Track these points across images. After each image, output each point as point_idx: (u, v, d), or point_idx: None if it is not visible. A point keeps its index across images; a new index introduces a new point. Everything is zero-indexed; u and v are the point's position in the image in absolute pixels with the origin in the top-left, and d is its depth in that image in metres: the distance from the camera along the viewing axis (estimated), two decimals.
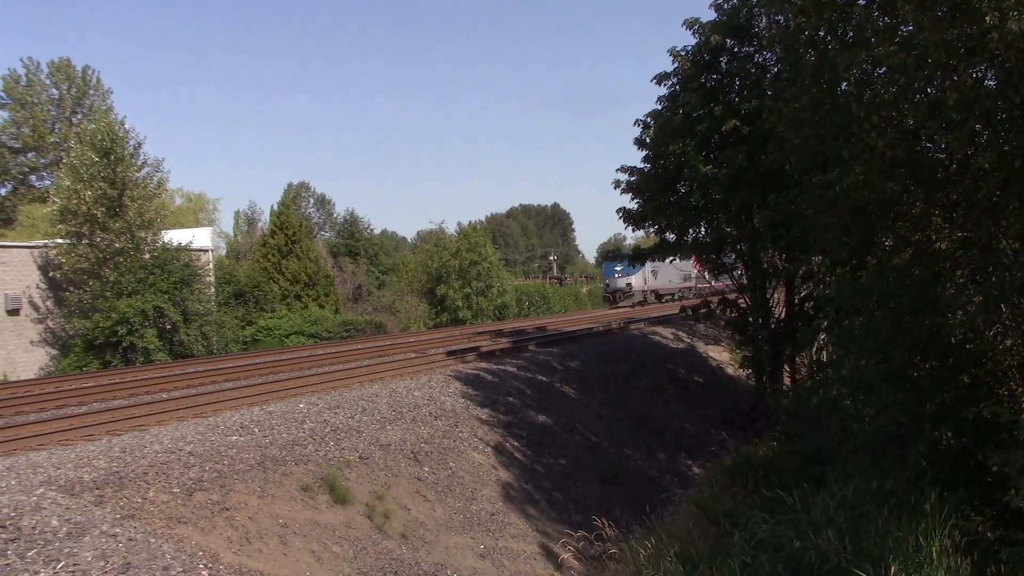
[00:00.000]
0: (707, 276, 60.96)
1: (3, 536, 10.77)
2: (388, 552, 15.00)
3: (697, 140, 24.13)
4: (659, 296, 65.33)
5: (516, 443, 21.68)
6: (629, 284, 69.34)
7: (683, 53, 24.90)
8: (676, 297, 66.13)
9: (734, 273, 27.32)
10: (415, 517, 16.55)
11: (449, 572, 15.36)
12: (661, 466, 24.70)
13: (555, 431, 23.57)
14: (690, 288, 71.44)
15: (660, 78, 25.68)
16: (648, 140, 25.94)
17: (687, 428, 28.73)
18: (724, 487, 17.15)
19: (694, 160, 23.54)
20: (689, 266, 64.88)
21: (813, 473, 15.44)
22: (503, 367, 27.39)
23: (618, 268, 68.22)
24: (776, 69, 23.14)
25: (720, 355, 40.06)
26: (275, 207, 69.31)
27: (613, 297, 70.88)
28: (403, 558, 15.05)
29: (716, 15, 24.33)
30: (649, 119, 26.12)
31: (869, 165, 13.03)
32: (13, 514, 11.29)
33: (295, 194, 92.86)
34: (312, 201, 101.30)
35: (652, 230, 28.83)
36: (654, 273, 69.59)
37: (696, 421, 29.66)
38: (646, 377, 31.74)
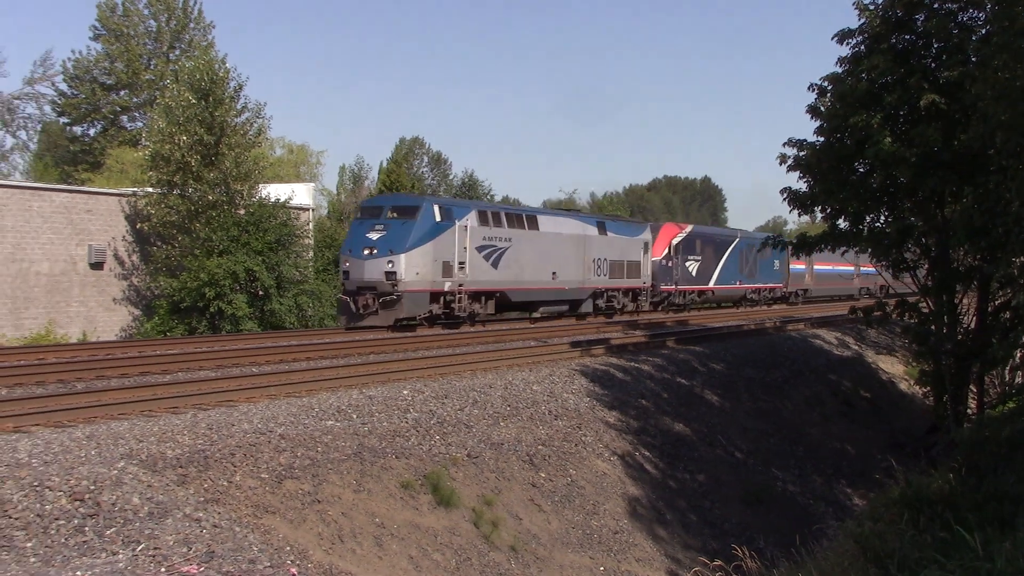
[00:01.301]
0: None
1: (81, 510, 11.38)
2: (495, 565, 15.26)
3: (884, 112, 23.49)
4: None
5: (647, 453, 21.71)
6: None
7: (871, 7, 24.21)
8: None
9: (916, 272, 26.55)
10: (527, 528, 16.76)
11: None
12: (815, 492, 24.37)
13: (693, 442, 23.49)
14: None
15: (842, 36, 25.03)
16: (824, 109, 25.39)
17: (848, 450, 28.24)
18: (890, 523, 16.78)
19: (878, 136, 22.91)
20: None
21: (999, 514, 15.00)
22: (636, 364, 27.36)
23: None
24: (984, 31, 22.37)
25: (893, 367, 39.18)
26: (384, 164, 70.71)
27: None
28: (511, 573, 15.28)
29: None
30: (827, 83, 25.53)
31: None
32: (93, 487, 11.91)
33: (407, 150, 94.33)
34: (426, 159, 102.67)
35: (820, 216, 28.28)
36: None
37: (859, 443, 29.12)
38: (803, 387, 31.30)
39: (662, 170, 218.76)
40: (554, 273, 39.41)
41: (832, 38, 25.13)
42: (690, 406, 25.59)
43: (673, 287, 49.57)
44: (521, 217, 39.15)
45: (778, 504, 22.62)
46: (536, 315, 40.25)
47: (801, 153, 25.68)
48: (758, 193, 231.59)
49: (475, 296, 35.27)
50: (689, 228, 54.53)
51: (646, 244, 47.20)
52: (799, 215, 28.55)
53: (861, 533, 16.48)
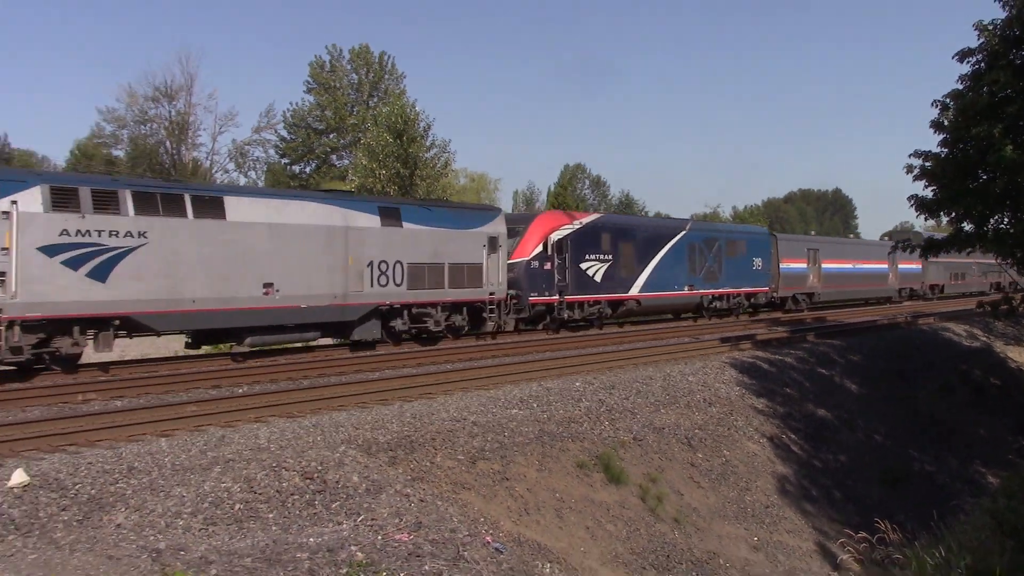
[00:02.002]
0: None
1: (312, 487, 11.80)
2: (661, 535, 15.09)
3: (1004, 123, 22.28)
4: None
5: (793, 436, 21.12)
6: None
7: (990, 27, 23.01)
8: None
9: None
10: (687, 503, 16.53)
11: (721, 561, 15.25)
12: (950, 472, 23.25)
13: (834, 426, 22.74)
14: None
15: (962, 55, 23.86)
16: (946, 122, 24.28)
17: (980, 433, 26.84)
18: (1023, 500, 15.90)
19: (1000, 144, 21.75)
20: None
21: None
22: (780, 357, 26.68)
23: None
24: None
25: (1021, 356, 37.05)
26: (552, 188, 71.08)
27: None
28: (675, 542, 15.09)
29: None
30: (949, 100, 24.42)
31: None
32: (320, 468, 12.33)
33: (571, 176, 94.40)
34: (587, 183, 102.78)
35: (947, 219, 27.03)
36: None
37: (991, 427, 27.63)
38: (935, 376, 29.89)
39: (797, 184, 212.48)
40: (270, 285, 22.97)
41: (953, 57, 23.96)
42: (831, 393, 24.78)
43: (554, 297, 31.66)
44: (179, 199, 21.40)
45: (916, 483, 21.66)
46: (243, 348, 23.33)
47: (927, 163, 24.66)
48: (888, 200, 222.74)
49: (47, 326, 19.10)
50: (590, 217, 36.00)
51: (492, 240, 28.83)
52: (925, 219, 27.35)
53: (996, 509, 15.68)
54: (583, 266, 33.04)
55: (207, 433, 14.06)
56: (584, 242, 33.25)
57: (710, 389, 21.69)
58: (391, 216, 26.27)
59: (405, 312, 26.32)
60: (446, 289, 27.40)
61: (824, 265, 49.18)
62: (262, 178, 72.59)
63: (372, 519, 11.19)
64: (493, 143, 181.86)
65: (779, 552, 16.31)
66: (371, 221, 25.50)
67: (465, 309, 28.26)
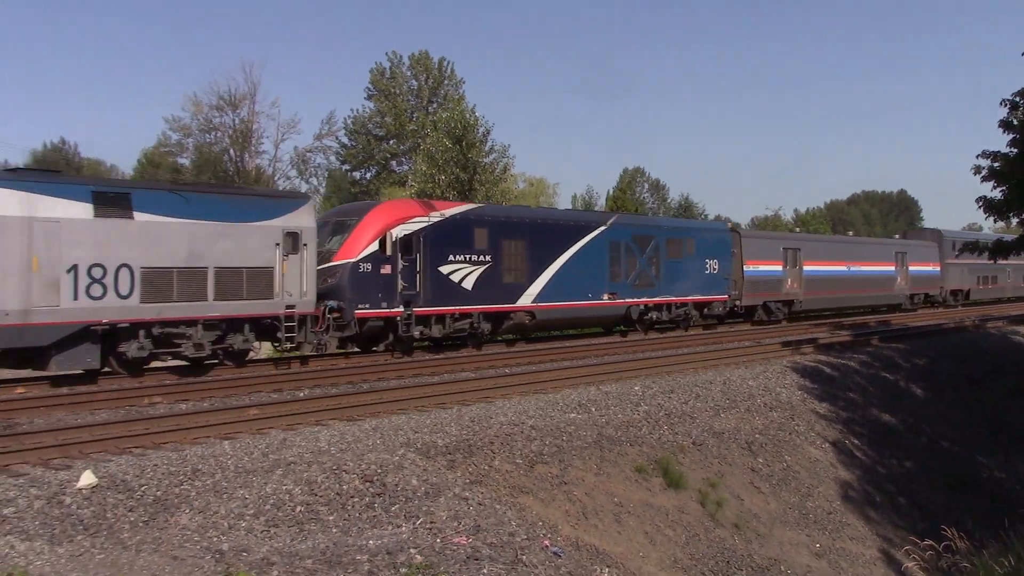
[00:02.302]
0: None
1: (371, 490, 11.91)
2: (720, 541, 14.94)
3: None
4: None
5: (856, 441, 20.77)
6: None
7: None
8: None
9: None
10: (748, 508, 16.34)
11: (783, 568, 15.05)
12: (1020, 478, 22.66)
13: (899, 431, 22.31)
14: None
15: None
16: (1016, 121, 23.77)
17: None
18: None
19: None
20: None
21: None
22: (843, 361, 26.27)
23: None
24: None
25: None
26: (611, 191, 70.85)
27: None
28: (736, 548, 14.93)
29: None
30: (1018, 99, 23.90)
31: None
32: (379, 470, 12.44)
33: (630, 179, 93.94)
34: (647, 186, 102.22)
35: (1016, 221, 26.46)
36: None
37: None
38: (1005, 380, 29.17)
39: (861, 185, 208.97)
40: None
41: (1022, 54, 23.48)
42: (895, 398, 24.33)
43: (396, 310, 24.84)
44: None
45: (984, 489, 21.15)
46: None
47: (995, 164, 24.16)
48: (954, 201, 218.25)
49: None
50: (457, 208, 28.42)
51: (291, 237, 22.40)
52: (995, 221, 26.81)
53: None
54: (445, 270, 26.31)
55: (269, 436, 14.25)
56: (446, 239, 26.46)
57: (771, 393, 21.43)
58: (114, 204, 19.62)
59: (141, 332, 19.77)
60: (210, 302, 20.74)
61: (807, 267, 41.34)
62: (323, 184, 73.55)
63: (431, 522, 11.25)
64: (552, 147, 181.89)
65: (842, 559, 16.05)
66: (76, 210, 18.87)
67: (248, 327, 21.73)
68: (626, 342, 30.30)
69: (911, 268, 48.92)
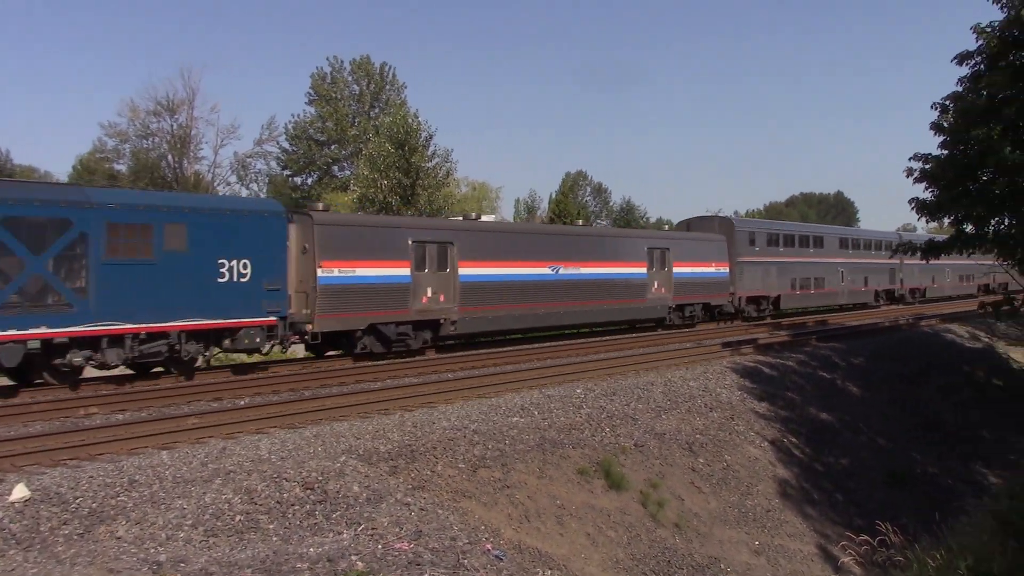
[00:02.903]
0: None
1: (312, 497, 11.85)
2: (661, 541, 15.11)
3: (1004, 124, 22.32)
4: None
5: (794, 439, 21.12)
6: None
7: (988, 29, 23.05)
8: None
9: None
10: (689, 508, 16.54)
11: (722, 566, 15.26)
12: (953, 473, 23.22)
13: (836, 429, 22.73)
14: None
15: (961, 58, 23.93)
16: (946, 124, 24.31)
17: (983, 434, 26.79)
18: None
19: (999, 146, 21.80)
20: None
21: None
22: (782, 361, 26.70)
23: None
24: None
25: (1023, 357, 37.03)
26: (553, 195, 71.16)
27: None
28: (676, 548, 15.11)
29: None
30: (948, 102, 24.46)
31: None
32: (321, 478, 12.38)
33: (573, 183, 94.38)
34: (589, 190, 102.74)
35: (947, 221, 27.04)
36: None
37: (994, 427, 27.58)
38: (937, 377, 29.88)
39: (798, 187, 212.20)
40: None
41: (952, 60, 24.01)
42: (832, 396, 24.79)
43: None
44: None
45: (918, 484, 21.64)
46: None
47: (926, 166, 24.68)
48: (889, 203, 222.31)
49: None
50: None
51: None
52: (927, 222, 27.37)
53: (999, 510, 15.65)
54: None
55: (208, 445, 14.12)
56: None
57: (711, 394, 21.71)
58: None
59: None
60: None
61: (463, 270, 28.20)
62: (264, 190, 72.88)
63: (372, 528, 11.22)
64: (495, 152, 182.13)
65: (780, 556, 16.32)
66: None
67: None
68: (571, 344, 30.45)
69: (677, 270, 36.94)
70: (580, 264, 32.77)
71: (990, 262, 55.39)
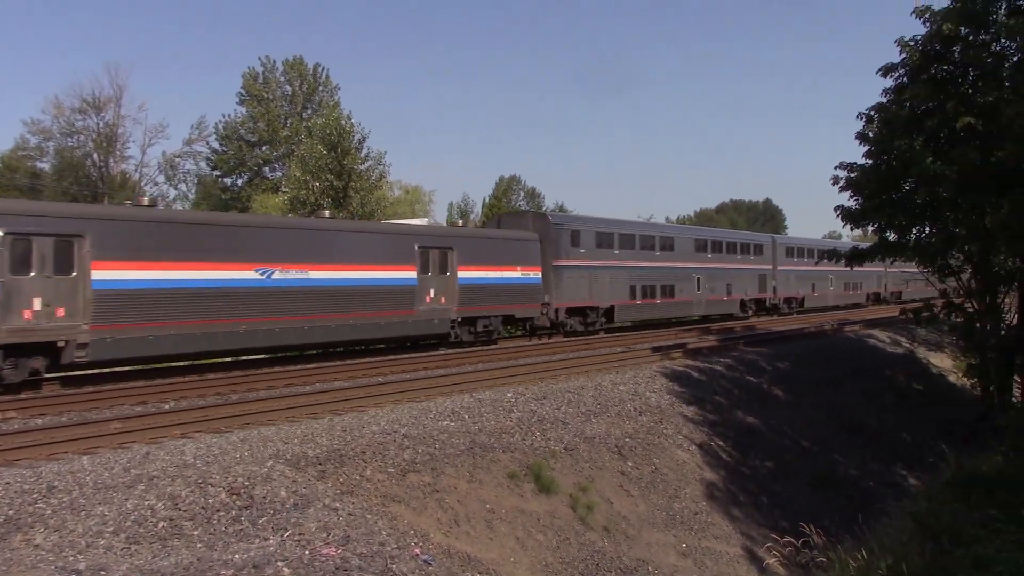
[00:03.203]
0: None
1: (238, 503, 11.66)
2: (590, 544, 15.18)
3: (925, 135, 22.95)
4: None
5: (722, 443, 21.40)
6: None
7: (912, 43, 23.70)
8: None
9: (960, 276, 25.83)
10: (618, 511, 16.65)
11: (650, 568, 15.39)
12: (874, 475, 23.75)
13: (762, 433, 23.09)
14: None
15: (886, 70, 24.58)
16: (871, 135, 24.93)
17: (903, 437, 27.45)
18: (944, 502, 16.31)
19: (921, 156, 22.42)
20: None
21: None
22: (710, 365, 27.04)
23: None
24: (1016, 58, 21.70)
25: (942, 362, 38.01)
26: (487, 199, 71.24)
27: None
28: (605, 551, 15.19)
29: (950, 2, 23.01)
30: (873, 112, 25.08)
31: None
32: (247, 483, 12.20)
33: (506, 187, 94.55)
34: (522, 194, 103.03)
35: (871, 229, 27.70)
36: None
37: (914, 431, 28.27)
38: (860, 382, 30.53)
39: (728, 194, 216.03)
40: None
41: (877, 72, 24.64)
42: (759, 401, 25.17)
43: None
44: None
45: (841, 487, 22.08)
46: None
47: (852, 174, 25.26)
48: (817, 210, 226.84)
49: None
50: None
51: None
52: (851, 229, 27.98)
53: (918, 512, 16.06)
54: None
55: (131, 450, 13.85)
56: None
57: (640, 398, 21.89)
58: None
59: None
60: None
61: (96, 274, 21.44)
62: (193, 190, 71.78)
63: (300, 534, 11.08)
64: (429, 156, 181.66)
65: (707, 558, 16.51)
66: None
67: None
68: (503, 348, 30.46)
69: (463, 275, 31.24)
70: (309, 266, 26.17)
71: (880, 269, 55.05)
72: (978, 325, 24.70)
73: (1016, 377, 24.77)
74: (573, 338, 35.44)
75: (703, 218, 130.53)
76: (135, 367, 23.19)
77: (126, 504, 11.18)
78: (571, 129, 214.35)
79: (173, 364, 23.36)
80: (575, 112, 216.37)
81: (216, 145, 71.15)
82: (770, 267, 51.21)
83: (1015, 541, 12.31)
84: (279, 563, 9.96)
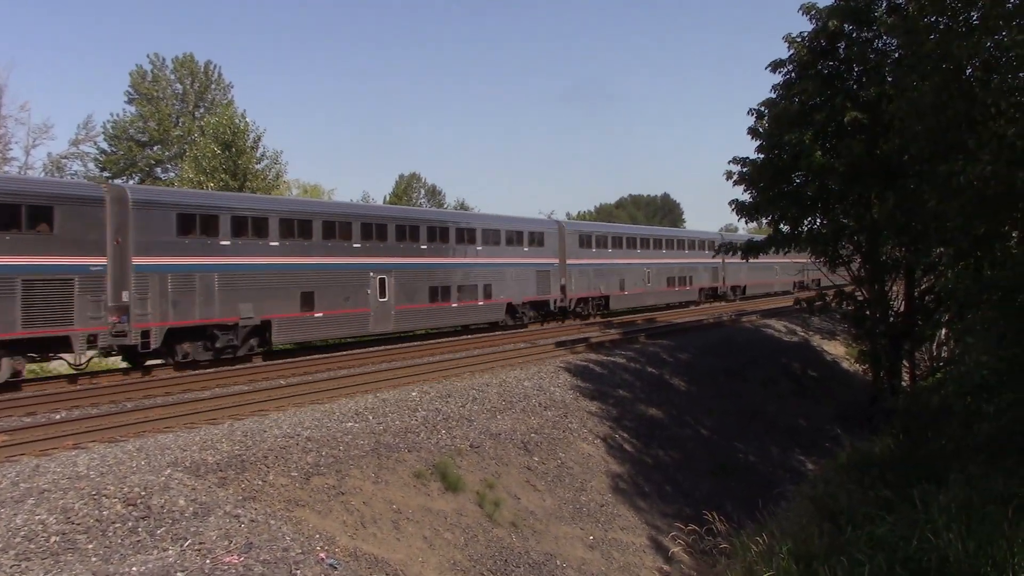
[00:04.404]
0: None
1: (135, 514, 11.34)
2: (498, 540, 15.20)
3: (814, 129, 23.62)
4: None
5: (626, 435, 21.67)
6: None
7: (799, 40, 24.37)
8: None
9: (850, 265, 26.67)
10: (525, 506, 16.72)
11: (558, 562, 15.49)
12: (773, 461, 24.37)
13: (665, 424, 23.46)
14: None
15: (775, 65, 25.23)
16: (762, 130, 25.52)
17: (800, 423, 28.24)
18: (840, 484, 16.86)
19: (810, 150, 23.08)
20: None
21: (933, 472, 15.06)
22: (613, 359, 27.36)
23: None
24: (897, 55, 22.50)
25: (835, 349, 39.24)
26: (387, 197, 70.74)
27: None
28: (513, 547, 15.23)
29: (834, 0, 23.73)
30: (763, 108, 25.69)
31: (996, 154, 12.63)
32: (143, 493, 11.87)
33: (406, 185, 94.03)
34: (423, 192, 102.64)
35: (765, 221, 28.34)
36: None
37: (810, 416, 29.12)
38: (758, 371, 31.28)
39: (627, 189, 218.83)
40: None
41: (766, 68, 25.30)
42: (661, 392, 25.53)
43: None
44: None
45: (742, 473, 22.58)
46: None
47: (744, 169, 25.81)
48: (714, 204, 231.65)
49: None
50: None
51: None
52: (746, 222, 28.60)
53: (815, 494, 16.57)
54: None
55: (20, 463, 13.33)
56: None
57: (545, 393, 22.02)
58: None
59: None
60: None
61: None
62: None
63: (200, 543, 10.84)
64: (327, 153, 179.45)
65: (614, 549, 16.69)
66: None
67: None
68: (405, 347, 30.28)
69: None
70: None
71: (708, 260, 51.05)
72: (868, 313, 25.51)
73: (904, 362, 25.66)
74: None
75: (603, 213, 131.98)
76: (28, 378, 22.28)
77: (15, 520, 10.76)
78: (471, 126, 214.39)
79: (63, 373, 22.54)
80: (476, 108, 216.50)
81: (105, 146, 68.88)
82: (556, 261, 41.56)
83: (905, 520, 12.77)
84: (179, 574, 9.74)
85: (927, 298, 24.57)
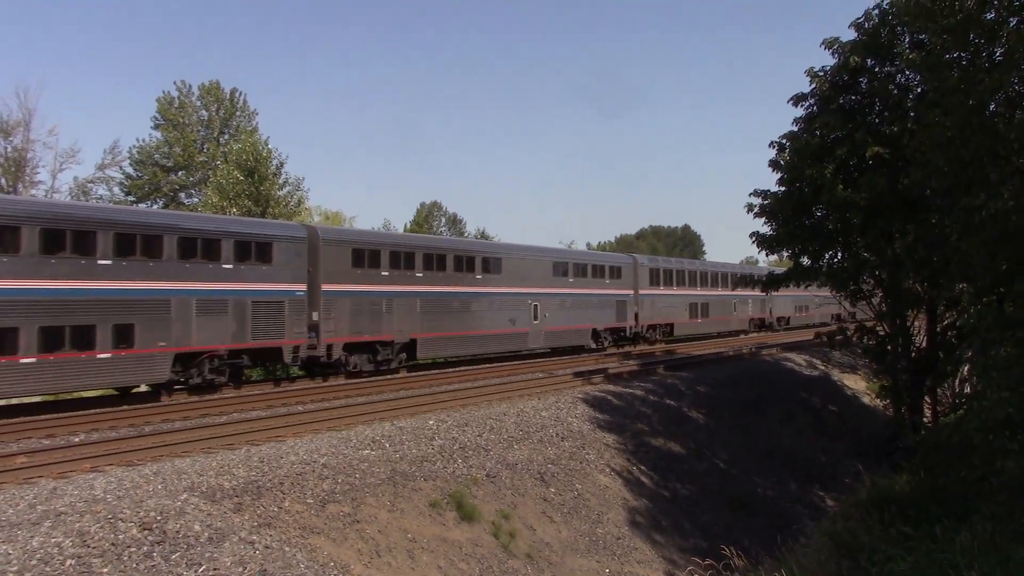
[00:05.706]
0: None
1: (150, 538, 11.33)
2: (513, 572, 15.11)
3: (835, 163, 23.60)
4: None
5: (643, 467, 21.54)
6: None
7: (821, 74, 24.42)
8: None
9: (872, 300, 26.53)
10: (540, 538, 16.61)
11: None
12: (792, 496, 24.13)
13: (683, 457, 23.30)
14: None
15: (796, 99, 25.31)
16: (783, 163, 25.52)
17: (820, 458, 27.98)
18: (859, 521, 16.63)
19: (831, 184, 23.05)
20: None
21: (955, 510, 14.85)
22: (631, 390, 27.23)
23: None
24: (919, 90, 22.48)
25: (856, 384, 38.91)
26: (408, 225, 71.03)
27: None
28: None
29: (856, 34, 23.79)
30: (785, 141, 25.71)
31: (1019, 189, 12.55)
32: (159, 517, 11.87)
33: (428, 213, 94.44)
34: (444, 220, 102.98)
35: (786, 254, 28.27)
36: None
37: (829, 451, 28.85)
38: (777, 405, 31.06)
39: (648, 220, 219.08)
40: None
41: (788, 101, 25.40)
42: (679, 425, 25.40)
43: None
44: None
45: (760, 508, 22.38)
46: None
47: (765, 202, 25.80)
48: (734, 236, 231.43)
49: None
50: None
51: None
52: (766, 255, 28.52)
53: (834, 531, 16.35)
54: None
55: (38, 486, 13.36)
56: None
57: (562, 424, 21.94)
58: None
59: None
60: None
61: None
62: None
63: (215, 569, 10.84)
64: (350, 181, 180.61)
65: None
66: None
67: None
68: (424, 376, 30.29)
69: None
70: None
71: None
72: (889, 348, 25.31)
73: (926, 398, 25.43)
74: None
75: (624, 243, 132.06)
76: (43, 399, 22.43)
77: (31, 542, 10.77)
78: (493, 155, 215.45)
79: (84, 396, 22.63)
80: (498, 138, 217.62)
81: (130, 170, 69.59)
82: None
83: (926, 558, 12.58)
84: None
85: (949, 334, 24.35)
